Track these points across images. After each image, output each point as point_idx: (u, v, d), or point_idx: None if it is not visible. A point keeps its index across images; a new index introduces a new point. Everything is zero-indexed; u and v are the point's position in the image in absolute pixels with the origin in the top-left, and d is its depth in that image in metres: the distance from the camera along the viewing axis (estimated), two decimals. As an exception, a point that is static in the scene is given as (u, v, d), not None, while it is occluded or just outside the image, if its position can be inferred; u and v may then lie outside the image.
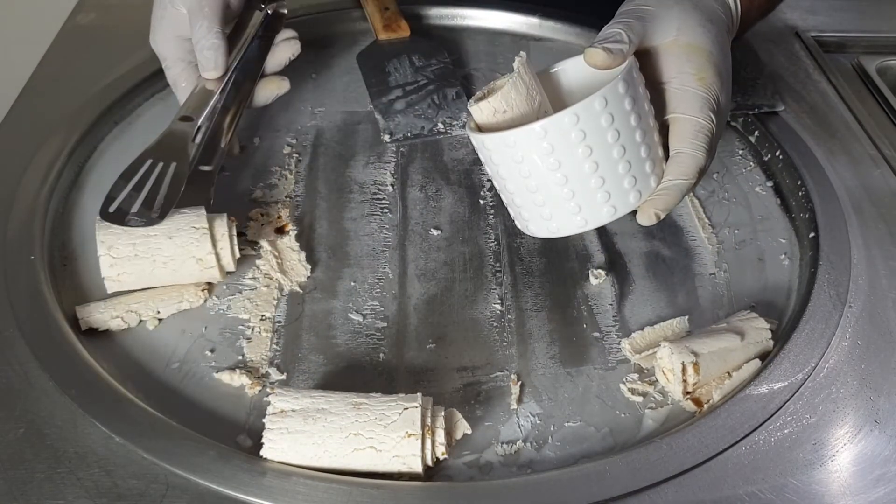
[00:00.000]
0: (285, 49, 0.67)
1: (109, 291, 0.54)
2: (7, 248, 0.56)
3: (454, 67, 0.77)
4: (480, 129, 0.51)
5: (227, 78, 0.62)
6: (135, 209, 0.52)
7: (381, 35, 0.79)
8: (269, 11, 0.69)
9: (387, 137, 0.71)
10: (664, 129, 0.52)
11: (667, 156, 0.52)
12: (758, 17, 0.63)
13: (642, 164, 0.50)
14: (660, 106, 0.52)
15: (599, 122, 0.47)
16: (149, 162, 0.55)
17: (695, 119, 0.50)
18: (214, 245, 0.54)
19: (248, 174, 0.66)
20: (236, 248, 0.56)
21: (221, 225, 0.55)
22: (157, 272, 0.53)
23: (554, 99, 0.53)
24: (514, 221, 0.55)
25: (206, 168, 0.59)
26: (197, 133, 0.58)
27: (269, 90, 0.65)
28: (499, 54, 0.82)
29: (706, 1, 0.56)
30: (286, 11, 0.71)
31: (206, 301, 0.55)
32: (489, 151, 0.50)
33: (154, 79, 0.74)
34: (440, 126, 0.72)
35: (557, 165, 0.48)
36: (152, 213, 0.52)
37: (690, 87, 0.51)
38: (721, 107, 0.52)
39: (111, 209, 0.52)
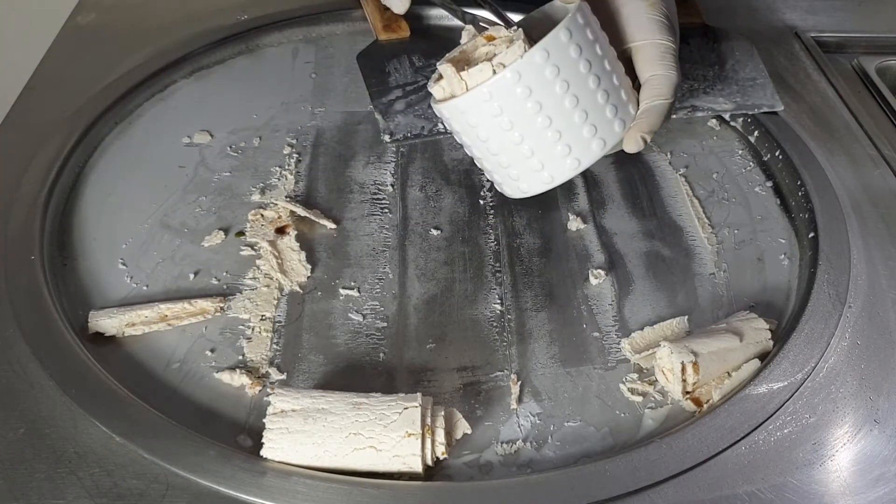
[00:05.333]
0: None
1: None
2: (7, 248, 0.56)
3: (454, 67, 0.77)
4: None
5: None
6: None
7: (381, 35, 0.79)
8: None
9: (387, 137, 0.70)
10: (625, 60, 0.52)
11: (635, 84, 0.52)
12: None
13: (618, 92, 0.49)
14: (615, 38, 0.52)
15: (569, 53, 0.47)
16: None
17: (658, 42, 0.51)
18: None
19: (247, 174, 0.66)
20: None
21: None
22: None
23: None
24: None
25: None
26: None
27: None
28: (499, 54, 0.82)
29: None
30: None
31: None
32: (465, 115, 0.50)
33: (154, 79, 0.74)
34: (440, 126, 0.71)
35: (539, 107, 0.48)
36: None
37: (644, 13, 0.51)
38: (673, 24, 0.52)
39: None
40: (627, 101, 0.51)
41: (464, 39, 0.52)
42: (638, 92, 0.54)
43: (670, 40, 0.51)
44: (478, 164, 0.55)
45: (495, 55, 0.50)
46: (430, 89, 0.53)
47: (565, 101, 0.48)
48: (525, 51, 0.48)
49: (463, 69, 0.50)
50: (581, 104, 0.48)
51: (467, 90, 0.49)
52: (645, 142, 0.50)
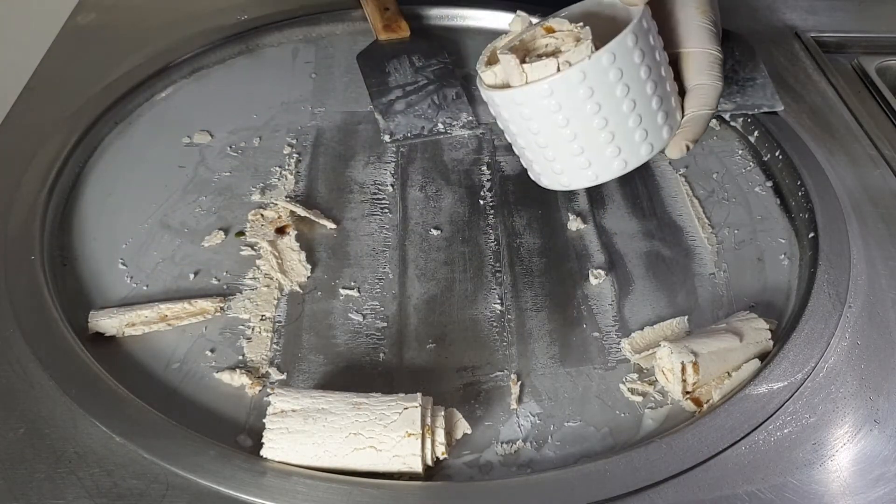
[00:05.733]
0: None
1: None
2: (7, 248, 0.56)
3: (454, 67, 0.77)
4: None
5: None
6: None
7: (382, 35, 0.79)
8: None
9: (387, 137, 0.71)
10: (673, 62, 0.52)
11: (681, 88, 0.52)
12: None
13: (669, 98, 0.50)
14: (666, 42, 0.52)
15: (633, 58, 0.47)
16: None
17: (707, 51, 0.51)
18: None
19: (247, 174, 0.66)
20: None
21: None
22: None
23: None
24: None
25: None
26: None
27: None
28: (499, 54, 0.82)
29: None
30: None
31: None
32: (520, 106, 0.50)
33: (154, 79, 0.74)
34: (440, 126, 0.72)
35: (598, 108, 0.48)
36: None
37: (696, 20, 0.51)
38: (719, 32, 0.53)
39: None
40: (675, 108, 0.51)
41: (516, 26, 0.50)
42: (682, 98, 0.53)
43: (718, 50, 0.52)
44: (517, 151, 0.54)
45: (559, 50, 0.50)
46: (479, 72, 0.51)
47: (623, 105, 0.48)
48: (592, 51, 0.47)
49: (524, 60, 0.50)
50: (637, 108, 0.48)
51: (527, 83, 0.49)
52: (688, 149, 0.51)
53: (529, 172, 0.56)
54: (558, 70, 0.48)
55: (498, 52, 0.50)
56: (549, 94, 0.48)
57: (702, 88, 0.51)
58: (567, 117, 0.48)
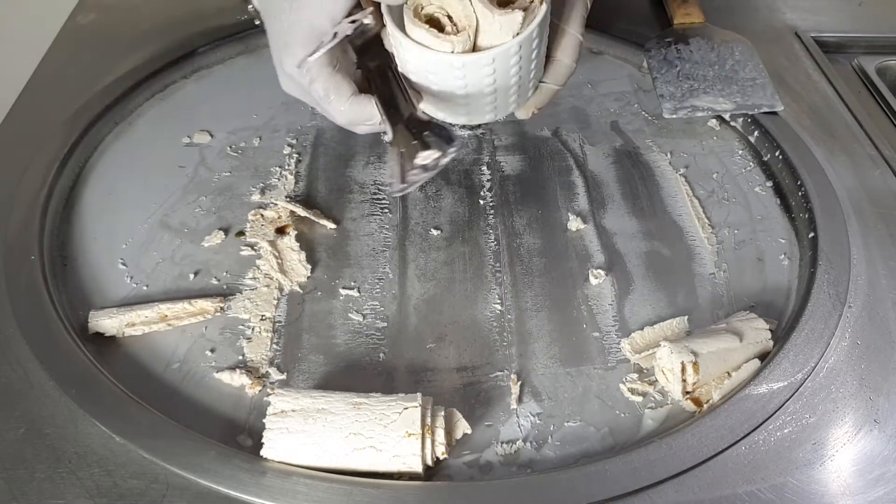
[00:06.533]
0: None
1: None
2: (7, 248, 0.56)
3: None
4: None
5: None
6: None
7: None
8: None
9: (387, 138, 0.70)
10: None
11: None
12: None
13: (527, 84, 0.53)
14: (554, 8, 0.54)
15: (509, 62, 0.50)
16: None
17: (576, 35, 0.54)
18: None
19: (248, 174, 0.66)
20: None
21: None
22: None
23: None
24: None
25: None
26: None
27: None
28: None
29: None
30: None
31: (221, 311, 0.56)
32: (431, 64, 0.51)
33: (154, 79, 0.74)
34: (440, 126, 0.72)
35: (464, 85, 0.51)
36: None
37: (579, 4, 0.54)
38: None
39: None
40: (530, 87, 0.55)
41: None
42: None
43: (583, 34, 0.55)
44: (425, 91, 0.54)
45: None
46: (408, 19, 0.50)
47: (511, 78, 0.51)
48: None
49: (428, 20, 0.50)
50: (520, 78, 0.52)
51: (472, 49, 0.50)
52: (533, 114, 0.57)
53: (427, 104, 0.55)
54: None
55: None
56: (460, 66, 0.49)
57: (560, 66, 0.55)
58: (466, 83, 0.51)
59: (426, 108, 0.54)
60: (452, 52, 0.49)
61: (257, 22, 0.54)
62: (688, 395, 0.51)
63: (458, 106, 0.53)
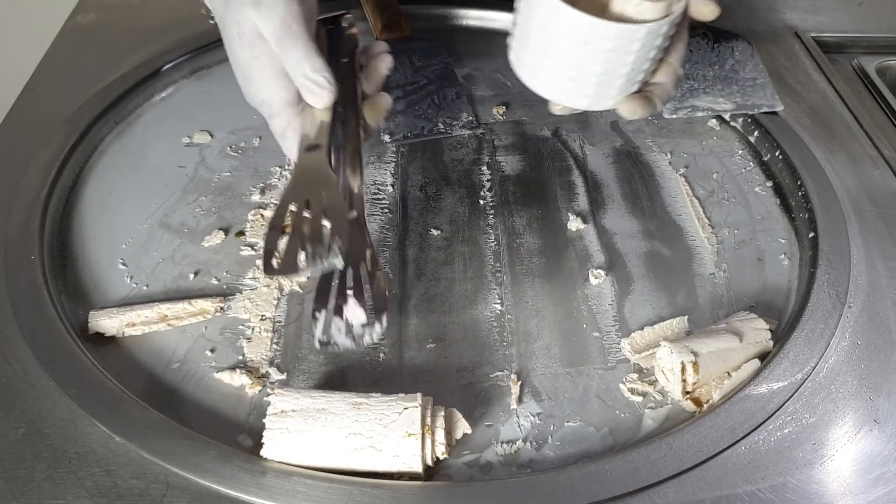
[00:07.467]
0: (379, 65, 0.56)
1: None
2: (7, 248, 0.56)
3: (454, 67, 0.77)
4: None
5: (334, 108, 0.51)
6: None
7: (381, 35, 0.79)
8: (343, 30, 0.58)
9: (387, 137, 0.71)
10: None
11: None
12: None
13: (638, 75, 0.51)
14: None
15: (654, 42, 0.48)
16: (294, 206, 0.47)
17: (678, 68, 0.53)
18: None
19: (247, 174, 0.66)
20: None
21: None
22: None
23: None
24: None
25: (351, 215, 0.50)
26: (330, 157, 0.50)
27: (376, 113, 0.55)
28: (499, 54, 0.82)
29: None
30: (355, 31, 0.58)
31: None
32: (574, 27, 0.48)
33: (154, 79, 0.74)
34: (440, 126, 0.72)
35: (606, 59, 0.48)
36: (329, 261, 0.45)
37: (681, 44, 0.53)
38: None
39: (274, 264, 0.45)
40: (639, 81, 0.52)
41: None
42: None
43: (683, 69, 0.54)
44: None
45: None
46: None
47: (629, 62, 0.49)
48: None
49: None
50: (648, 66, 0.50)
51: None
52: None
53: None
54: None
55: None
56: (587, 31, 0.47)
57: (661, 88, 0.53)
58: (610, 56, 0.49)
59: (552, 96, 0.51)
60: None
61: (212, 22, 0.53)
62: (688, 395, 0.51)
63: (589, 86, 0.50)
